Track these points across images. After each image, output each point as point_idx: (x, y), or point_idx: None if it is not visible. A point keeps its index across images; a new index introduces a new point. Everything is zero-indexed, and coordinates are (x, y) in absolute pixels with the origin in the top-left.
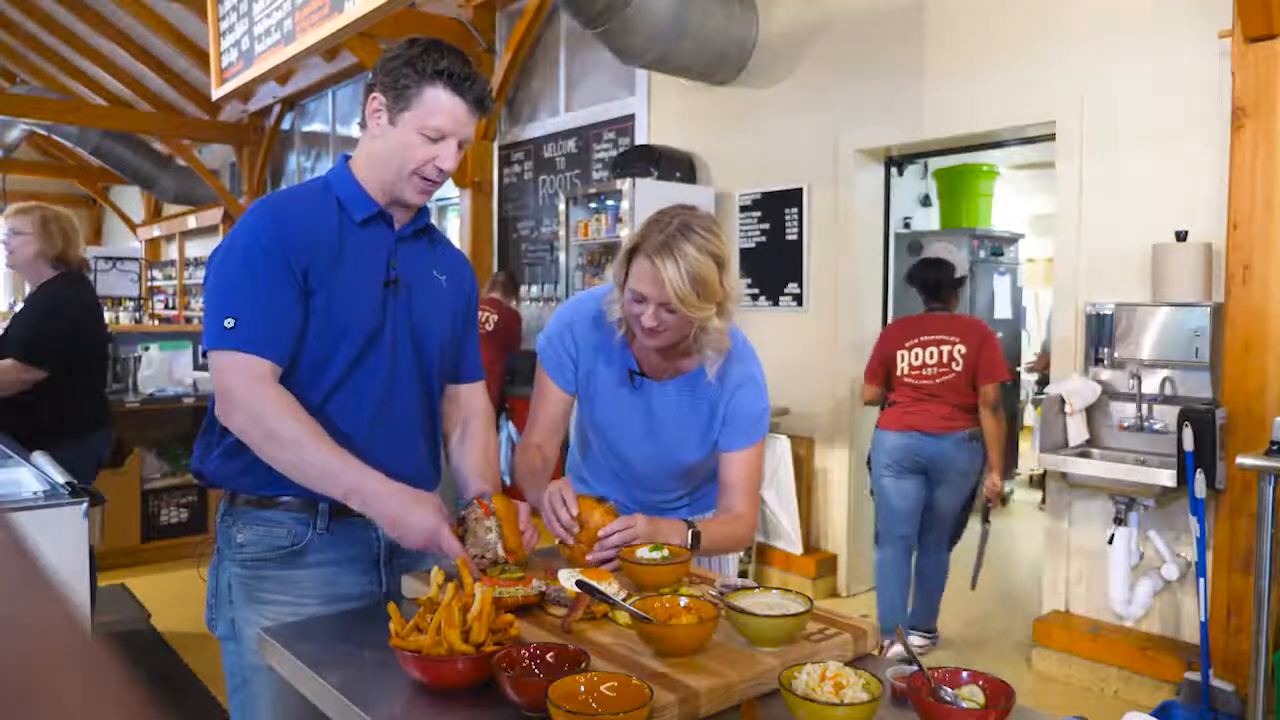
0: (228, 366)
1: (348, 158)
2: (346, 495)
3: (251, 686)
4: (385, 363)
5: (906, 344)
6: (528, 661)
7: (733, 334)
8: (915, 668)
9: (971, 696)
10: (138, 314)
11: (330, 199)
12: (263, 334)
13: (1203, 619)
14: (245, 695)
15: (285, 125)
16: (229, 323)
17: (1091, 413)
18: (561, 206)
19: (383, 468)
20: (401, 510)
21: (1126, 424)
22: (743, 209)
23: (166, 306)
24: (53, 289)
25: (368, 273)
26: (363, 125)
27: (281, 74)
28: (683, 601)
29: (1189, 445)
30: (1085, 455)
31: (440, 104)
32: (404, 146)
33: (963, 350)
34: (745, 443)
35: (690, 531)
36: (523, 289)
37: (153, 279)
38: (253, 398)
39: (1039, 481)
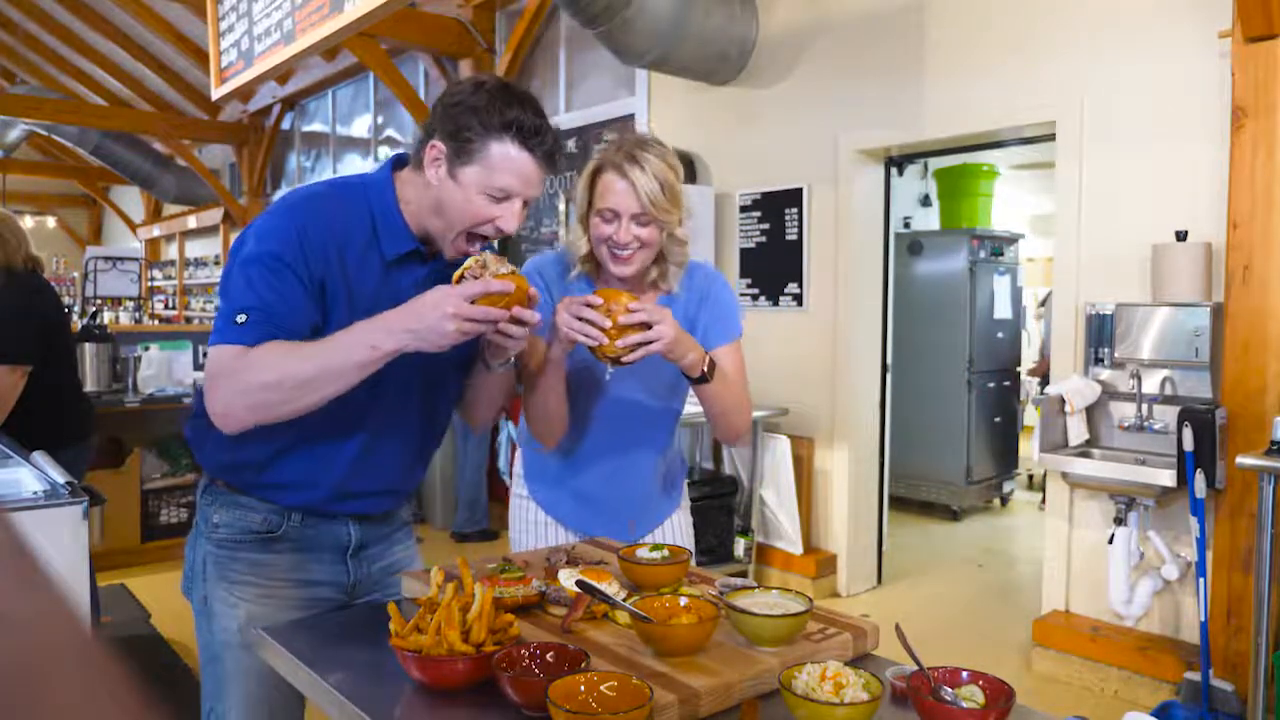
0: (224, 354)
1: (398, 161)
2: (372, 354)
3: (223, 663)
4: (393, 385)
5: None
6: (528, 661)
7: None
8: (915, 668)
9: (971, 696)
10: (138, 314)
11: (365, 217)
12: (271, 331)
13: (1203, 619)
14: (217, 670)
15: (285, 125)
16: (241, 318)
17: (1091, 413)
18: (561, 206)
19: (369, 475)
20: (413, 319)
21: (1126, 424)
22: (743, 209)
23: (166, 306)
24: (6, 288)
25: (386, 305)
26: (417, 165)
27: (281, 74)
28: (683, 601)
29: (1189, 445)
30: (1085, 455)
31: (508, 161)
32: (463, 203)
33: None
34: (727, 336)
35: (709, 357)
36: None
37: (153, 279)
38: (235, 372)
39: (1040, 482)
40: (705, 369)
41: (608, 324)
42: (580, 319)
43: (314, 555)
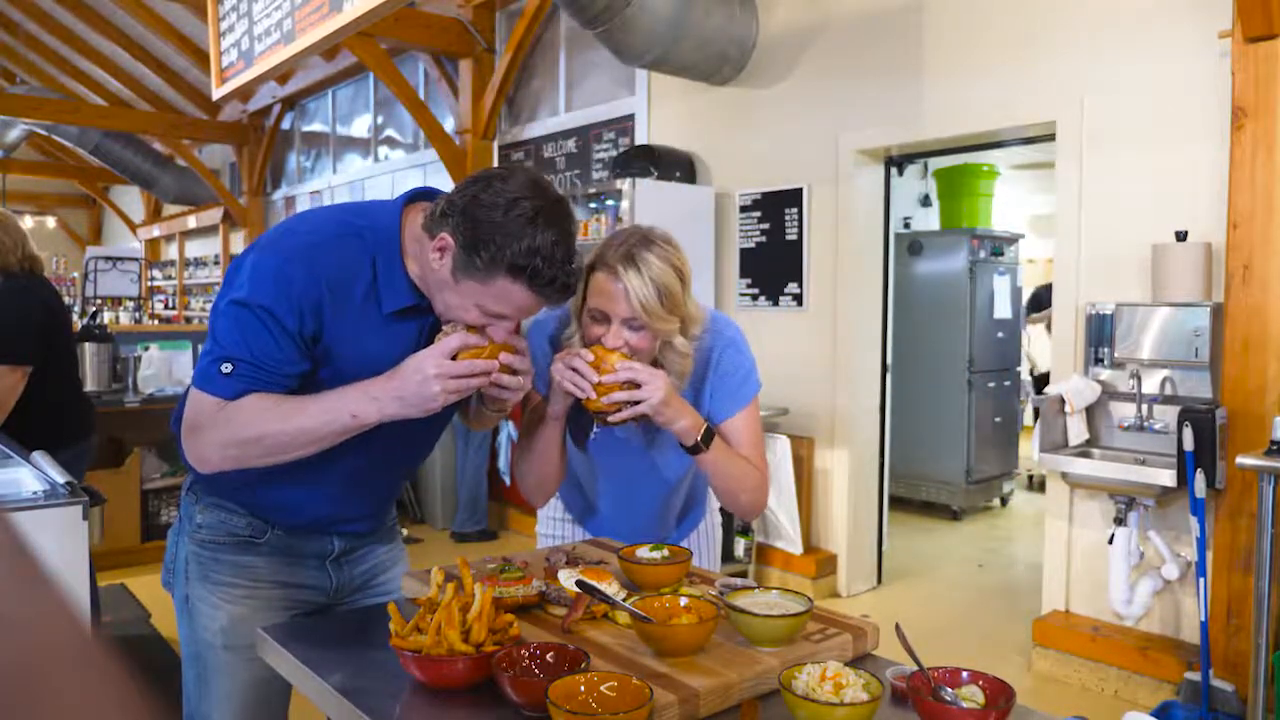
0: (205, 404)
1: (412, 197)
2: (352, 422)
3: (205, 662)
4: (383, 432)
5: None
6: (528, 661)
7: (708, 313)
8: (915, 668)
9: (971, 696)
10: (138, 314)
11: (366, 267)
12: (256, 385)
13: (1203, 619)
14: (199, 669)
15: (285, 125)
16: (226, 368)
17: (1091, 413)
18: None
19: (353, 505)
20: (396, 387)
21: (1126, 424)
22: (743, 209)
23: (166, 306)
24: (5, 289)
25: (384, 360)
26: (428, 228)
27: (281, 74)
28: (683, 601)
29: (1189, 445)
30: (1085, 455)
31: (510, 295)
32: (457, 307)
33: None
34: (738, 405)
35: (706, 426)
36: None
37: (153, 279)
38: (214, 425)
39: (1040, 481)
40: (699, 438)
41: (596, 378)
42: (573, 369)
43: (297, 560)
